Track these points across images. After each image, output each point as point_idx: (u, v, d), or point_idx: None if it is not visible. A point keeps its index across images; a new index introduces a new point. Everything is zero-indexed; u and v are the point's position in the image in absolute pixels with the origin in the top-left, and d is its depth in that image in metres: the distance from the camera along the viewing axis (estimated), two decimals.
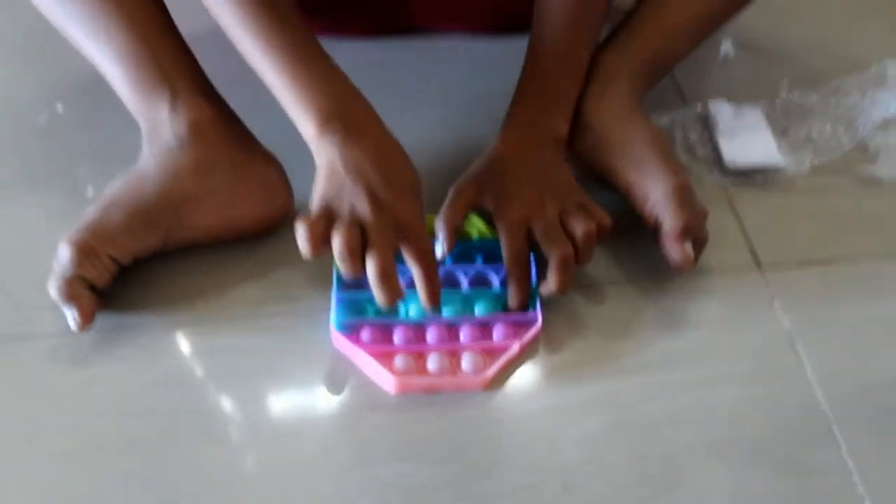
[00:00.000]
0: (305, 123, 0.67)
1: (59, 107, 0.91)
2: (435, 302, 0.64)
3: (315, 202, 0.65)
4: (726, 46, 0.95)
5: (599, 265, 0.74)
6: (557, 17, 0.76)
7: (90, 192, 0.82)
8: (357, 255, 0.62)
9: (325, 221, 0.63)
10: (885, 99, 0.87)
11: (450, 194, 0.72)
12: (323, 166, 0.66)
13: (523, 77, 0.77)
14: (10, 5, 1.02)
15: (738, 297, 0.73)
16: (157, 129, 0.73)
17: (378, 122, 0.68)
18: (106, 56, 0.74)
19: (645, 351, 0.69)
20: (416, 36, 0.97)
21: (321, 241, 0.62)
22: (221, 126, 0.73)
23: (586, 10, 0.77)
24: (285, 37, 0.67)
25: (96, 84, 0.78)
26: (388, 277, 0.62)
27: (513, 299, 0.69)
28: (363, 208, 0.63)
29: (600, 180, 0.76)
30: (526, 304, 0.69)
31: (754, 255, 0.76)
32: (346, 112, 0.67)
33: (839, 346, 0.69)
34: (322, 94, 0.67)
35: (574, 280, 0.69)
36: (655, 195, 0.70)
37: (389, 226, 0.63)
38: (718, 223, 0.77)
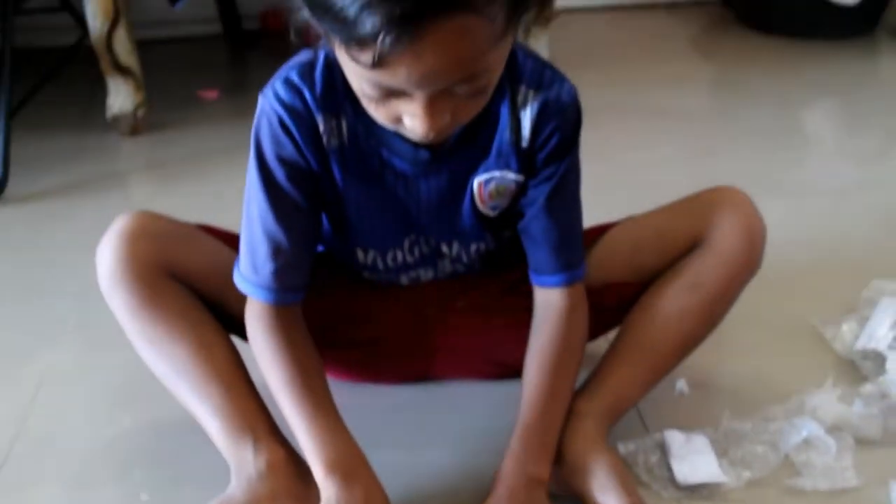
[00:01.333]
0: (315, 467, 0.93)
1: (156, 439, 1.16)
2: None
3: None
4: (680, 384, 1.20)
5: None
6: (540, 381, 1.02)
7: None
8: None
9: None
10: (803, 424, 1.10)
11: None
12: (324, 501, 0.91)
13: (516, 431, 1.00)
14: (108, 355, 1.30)
15: None
16: (242, 465, 0.98)
17: (368, 471, 0.93)
18: (205, 410, 1.01)
19: None
20: (431, 381, 1.22)
21: None
22: (289, 464, 0.98)
23: (562, 375, 1.02)
24: (308, 401, 0.96)
25: (188, 427, 1.04)
26: None
27: None
28: None
29: (577, 499, 0.98)
30: None
31: None
32: (345, 463, 0.93)
33: None
34: (328, 448, 0.93)
35: None
36: None
37: None
38: None
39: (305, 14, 0.82)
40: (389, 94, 0.83)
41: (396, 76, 0.78)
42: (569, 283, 1.04)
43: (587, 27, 2.77)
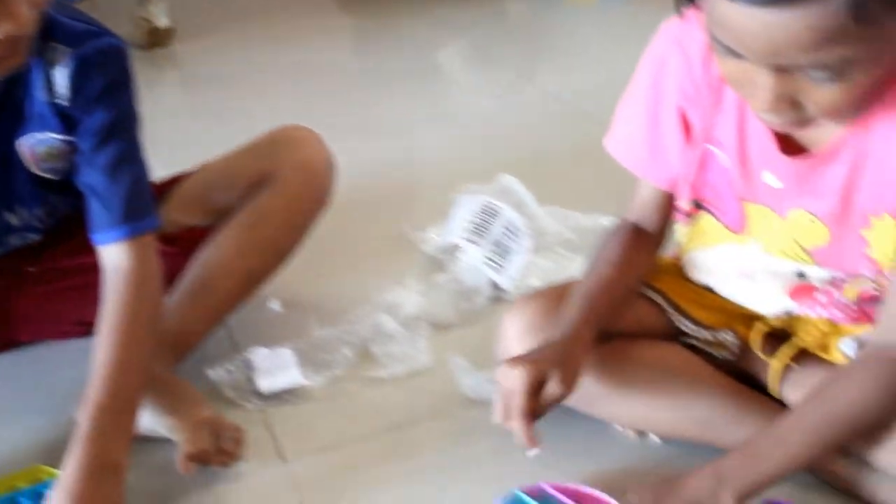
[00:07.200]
0: None
1: None
2: None
3: None
4: (272, 304, 1.25)
5: None
6: (111, 358, 0.94)
7: None
8: None
9: None
10: (381, 320, 1.18)
11: None
12: None
13: (88, 411, 0.91)
14: None
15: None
16: None
17: None
18: None
19: None
20: (19, 347, 1.18)
21: None
22: None
23: (133, 349, 0.96)
24: None
25: None
26: None
27: None
28: None
29: None
30: None
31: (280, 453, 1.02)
32: None
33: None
34: None
35: None
36: None
37: None
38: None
39: None
40: None
41: None
42: (132, 235, 0.98)
43: None
